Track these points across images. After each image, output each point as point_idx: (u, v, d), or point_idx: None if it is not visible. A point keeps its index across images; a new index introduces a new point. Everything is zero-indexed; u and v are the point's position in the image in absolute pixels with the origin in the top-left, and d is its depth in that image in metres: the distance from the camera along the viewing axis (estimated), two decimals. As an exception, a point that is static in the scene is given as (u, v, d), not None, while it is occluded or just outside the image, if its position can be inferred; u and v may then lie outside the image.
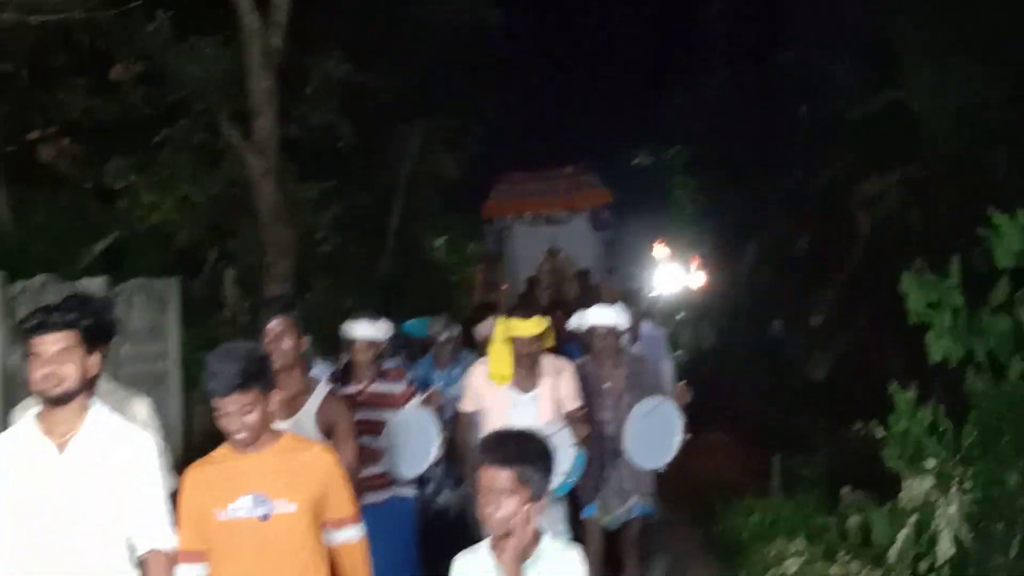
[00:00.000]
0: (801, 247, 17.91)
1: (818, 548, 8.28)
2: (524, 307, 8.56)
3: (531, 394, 7.44)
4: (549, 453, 4.16)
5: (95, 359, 4.69)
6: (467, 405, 7.69)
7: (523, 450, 4.09)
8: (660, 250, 27.92)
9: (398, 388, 7.72)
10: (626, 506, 8.09)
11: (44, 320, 4.52)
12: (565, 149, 22.57)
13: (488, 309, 10.50)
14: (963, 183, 12.75)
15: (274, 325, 5.99)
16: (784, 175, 19.10)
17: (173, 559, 4.64)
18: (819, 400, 13.31)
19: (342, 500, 4.81)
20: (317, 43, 14.13)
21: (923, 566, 7.09)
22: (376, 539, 6.27)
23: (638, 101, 29.13)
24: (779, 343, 18.48)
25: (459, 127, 21.32)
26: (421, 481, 7.86)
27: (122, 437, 4.65)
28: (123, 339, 7.69)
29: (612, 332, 8.17)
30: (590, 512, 8.05)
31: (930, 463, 7.33)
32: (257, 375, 4.60)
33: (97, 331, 4.81)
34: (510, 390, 7.45)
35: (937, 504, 7.15)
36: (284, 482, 4.63)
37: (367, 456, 7.14)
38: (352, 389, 7.62)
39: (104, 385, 5.39)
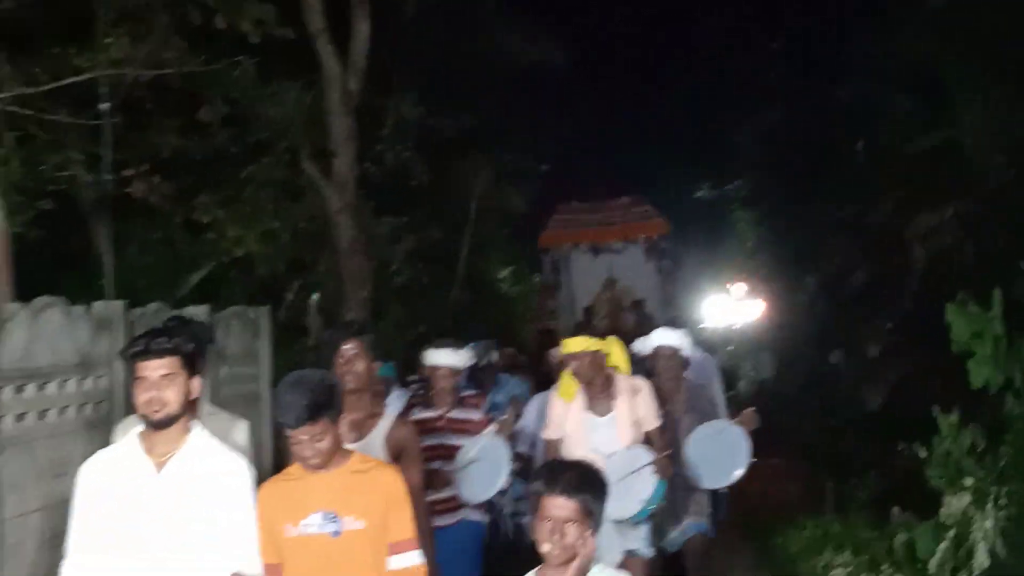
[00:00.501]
0: (858, 279, 18.30)
1: (863, 560, 8.79)
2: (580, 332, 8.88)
3: (608, 417, 7.41)
4: (606, 483, 4.29)
5: (196, 382, 4.81)
6: (551, 433, 7.63)
7: (586, 480, 4.19)
8: (719, 281, 28.15)
9: (476, 415, 7.90)
10: (681, 527, 8.13)
11: (148, 345, 4.64)
12: (627, 182, 22.94)
13: (549, 335, 10.87)
14: (1012, 217, 13.12)
15: (348, 348, 6.16)
16: (841, 208, 19.44)
17: None
18: (873, 426, 13.66)
19: (404, 522, 4.89)
20: (392, 86, 14.83)
21: (961, 576, 7.60)
22: (444, 559, 6.61)
23: (700, 135, 29.51)
24: (837, 373, 18.79)
25: (524, 162, 21.90)
26: (490, 507, 7.96)
27: (220, 460, 4.78)
28: (223, 362, 8.32)
29: (675, 354, 8.29)
30: None
31: (968, 481, 7.84)
32: (327, 404, 4.71)
33: (198, 355, 4.97)
34: (587, 414, 7.43)
35: (974, 519, 7.67)
36: (354, 500, 4.75)
37: (441, 480, 7.44)
38: (432, 414, 7.81)
39: (206, 407, 5.65)
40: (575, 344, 7.34)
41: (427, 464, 7.22)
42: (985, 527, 7.61)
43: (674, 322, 12.31)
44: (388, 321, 14.88)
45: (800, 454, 14.85)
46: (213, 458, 4.76)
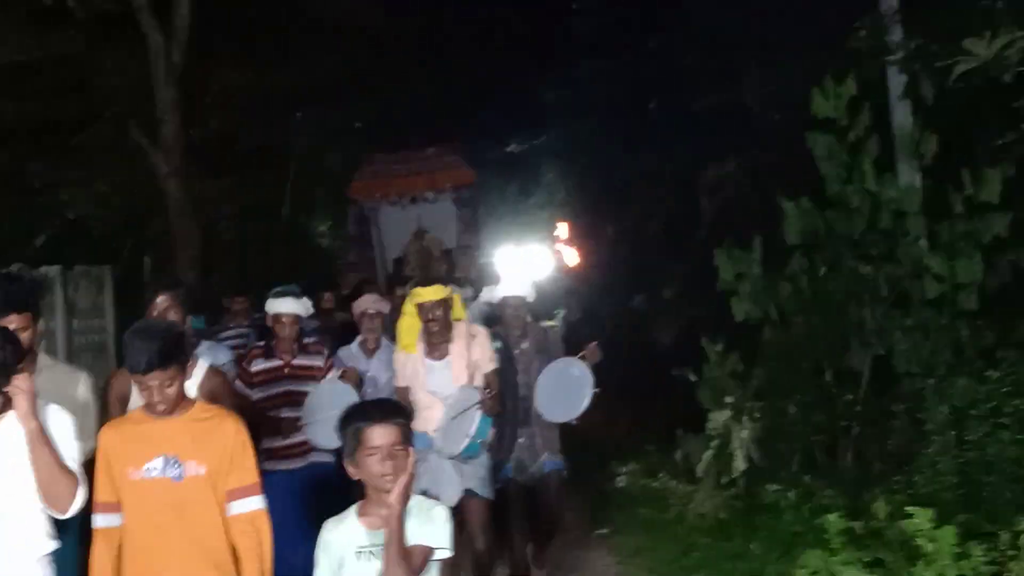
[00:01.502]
0: (655, 227, 19.64)
1: (642, 467, 10.20)
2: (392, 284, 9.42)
3: (444, 360, 7.57)
4: (408, 410, 4.61)
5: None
6: (399, 381, 7.78)
7: (395, 408, 4.42)
8: (529, 232, 28.91)
9: (319, 361, 8.05)
10: (539, 463, 8.30)
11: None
12: (441, 136, 23.46)
13: (365, 285, 11.29)
14: (787, 169, 14.37)
15: (161, 300, 6.26)
16: (639, 160, 20.71)
17: None
18: (664, 361, 14.86)
19: (246, 469, 4.93)
20: (216, 55, 15.52)
21: (724, 479, 8.98)
22: (295, 501, 7.17)
23: (510, 89, 30.42)
24: (639, 314, 20.16)
25: (340, 120, 22.63)
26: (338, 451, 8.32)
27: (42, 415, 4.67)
28: (73, 316, 9.18)
29: (522, 302, 8.47)
30: (507, 472, 8.20)
31: (728, 399, 9.23)
32: (175, 352, 4.77)
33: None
34: (425, 359, 7.60)
35: (733, 431, 9.06)
36: (196, 446, 4.79)
37: (290, 425, 7.69)
38: (277, 363, 7.92)
39: (44, 359, 5.75)
40: (433, 292, 7.48)
41: (275, 411, 7.72)
42: (742, 437, 9.01)
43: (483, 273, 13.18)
44: (217, 278, 15.61)
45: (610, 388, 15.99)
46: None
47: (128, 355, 4.74)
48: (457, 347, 7.59)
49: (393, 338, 8.36)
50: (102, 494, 4.76)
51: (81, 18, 12.85)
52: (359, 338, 9.06)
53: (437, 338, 7.55)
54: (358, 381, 8.31)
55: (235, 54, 16.25)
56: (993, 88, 8.68)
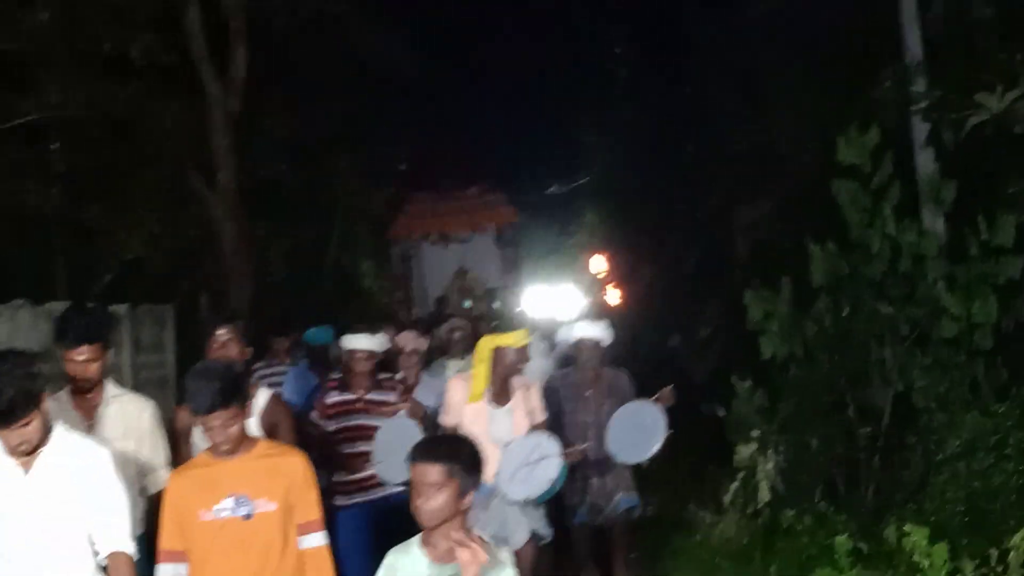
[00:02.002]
0: (690, 267, 20.10)
1: (672, 497, 10.70)
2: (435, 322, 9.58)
3: (505, 408, 7.59)
4: (477, 453, 4.27)
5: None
6: (448, 420, 7.74)
7: (452, 449, 4.24)
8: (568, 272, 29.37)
9: (392, 397, 8.18)
10: (614, 503, 8.36)
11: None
12: (480, 177, 23.75)
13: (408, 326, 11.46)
14: (818, 210, 14.83)
15: (220, 334, 6.44)
16: (675, 202, 21.22)
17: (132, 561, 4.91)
18: (696, 397, 15.26)
19: (310, 504, 5.03)
20: (266, 103, 16.25)
21: (749, 509, 9.46)
22: (365, 535, 7.33)
23: (550, 133, 31.12)
24: (676, 353, 20.56)
25: (383, 162, 23.20)
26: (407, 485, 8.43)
27: (80, 452, 4.81)
28: (138, 352, 9.83)
29: (597, 344, 8.48)
30: (582, 517, 8.33)
31: (755, 433, 9.71)
32: (235, 391, 4.86)
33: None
34: (486, 404, 7.58)
35: (759, 463, 9.55)
36: (263, 483, 4.88)
37: (362, 460, 7.79)
38: (351, 396, 8.08)
39: (112, 389, 5.97)
40: (517, 338, 7.53)
41: (348, 445, 7.89)
42: (767, 469, 9.49)
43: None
44: (266, 316, 16.24)
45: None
46: (71, 449, 4.80)
47: (190, 397, 4.85)
48: (518, 395, 7.62)
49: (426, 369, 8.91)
50: (168, 542, 4.88)
51: (142, 68, 13.42)
52: (399, 375, 9.07)
53: (503, 387, 7.57)
54: (424, 416, 8.18)
55: (285, 101, 16.94)
56: (1007, 138, 9.15)
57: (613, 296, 27.69)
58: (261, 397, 6.40)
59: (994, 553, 5.60)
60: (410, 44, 22.43)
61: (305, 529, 4.99)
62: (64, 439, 4.75)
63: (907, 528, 5.69)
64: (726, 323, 17.15)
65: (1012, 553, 5.49)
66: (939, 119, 10.74)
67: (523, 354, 7.55)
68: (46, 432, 4.69)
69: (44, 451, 4.66)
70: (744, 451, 9.68)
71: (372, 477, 7.78)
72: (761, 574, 7.57)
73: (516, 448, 7.23)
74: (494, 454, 7.16)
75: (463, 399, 7.59)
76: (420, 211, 21.24)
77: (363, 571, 6.20)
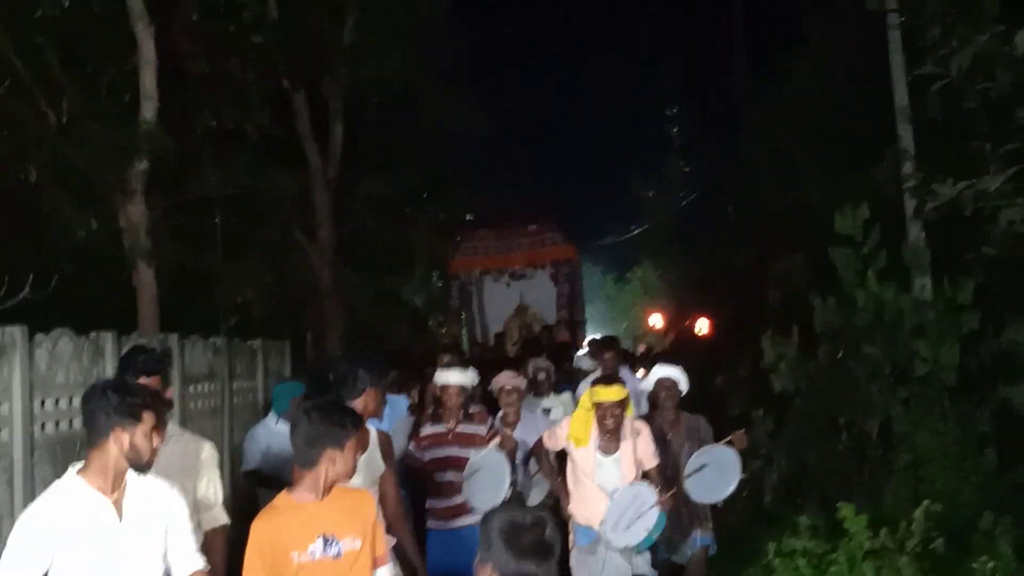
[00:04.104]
0: (731, 315, 22.23)
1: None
2: (501, 363, 10.28)
3: (613, 456, 7.66)
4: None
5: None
6: (551, 444, 8.03)
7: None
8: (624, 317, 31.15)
9: (482, 429, 8.35)
10: (690, 540, 8.66)
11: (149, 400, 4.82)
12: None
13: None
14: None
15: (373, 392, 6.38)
16: (719, 257, 23.39)
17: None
18: (732, 426, 17.31)
19: (382, 539, 5.23)
20: (359, 167, 18.73)
21: (757, 512, 11.70)
22: (454, 560, 7.51)
23: (608, 188, 33.31)
24: (720, 391, 22.68)
25: (456, 216, 25.47)
26: None
27: (159, 493, 4.86)
28: (269, 379, 12.05)
29: (675, 386, 8.71)
30: (661, 554, 8.46)
31: (762, 451, 12.01)
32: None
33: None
34: (595, 452, 7.69)
35: (764, 476, 11.86)
36: (347, 523, 5.02)
37: (454, 488, 8.03)
38: (442, 428, 8.32)
39: (172, 428, 5.96)
40: (614, 393, 7.54)
41: (440, 474, 8.14)
42: (772, 479, 11.79)
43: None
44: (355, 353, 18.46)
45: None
46: (152, 491, 4.84)
47: (328, 429, 5.01)
48: (626, 444, 7.67)
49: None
50: None
51: (253, 139, 15.64)
52: (500, 413, 9.08)
53: (611, 435, 7.64)
54: (514, 449, 8.37)
55: (374, 164, 19.34)
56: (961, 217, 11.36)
57: (665, 340, 29.59)
58: (373, 435, 6.45)
59: (904, 524, 7.79)
60: (483, 107, 24.51)
61: (380, 562, 5.19)
62: (138, 480, 4.77)
63: (839, 505, 7.90)
64: (758, 365, 19.15)
65: (914, 523, 7.70)
66: (923, 197, 12.95)
67: (621, 407, 7.56)
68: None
69: (128, 495, 4.70)
70: (753, 465, 12.00)
71: (461, 505, 8.00)
72: (756, 548, 9.40)
73: (620, 497, 7.47)
74: (601, 500, 7.58)
75: (566, 435, 7.85)
76: (478, 247, 21.11)
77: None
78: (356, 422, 5.13)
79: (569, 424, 7.85)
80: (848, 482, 11.35)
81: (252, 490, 8.96)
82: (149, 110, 12.27)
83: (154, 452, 4.69)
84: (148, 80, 12.27)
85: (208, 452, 6.13)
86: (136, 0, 12.18)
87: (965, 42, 11.10)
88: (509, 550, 3.68)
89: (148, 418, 4.64)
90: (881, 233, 12.56)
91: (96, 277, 12.61)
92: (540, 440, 8.25)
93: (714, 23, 29.21)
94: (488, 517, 3.82)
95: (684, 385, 8.82)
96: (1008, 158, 11.20)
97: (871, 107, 15.85)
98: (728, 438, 8.36)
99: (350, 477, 5.11)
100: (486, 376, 9.62)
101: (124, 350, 8.27)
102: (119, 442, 4.59)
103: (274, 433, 8.79)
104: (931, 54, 11.66)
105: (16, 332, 6.90)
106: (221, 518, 6.08)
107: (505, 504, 7.45)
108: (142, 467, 4.68)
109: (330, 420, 5.00)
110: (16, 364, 6.88)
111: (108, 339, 8.12)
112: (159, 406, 4.84)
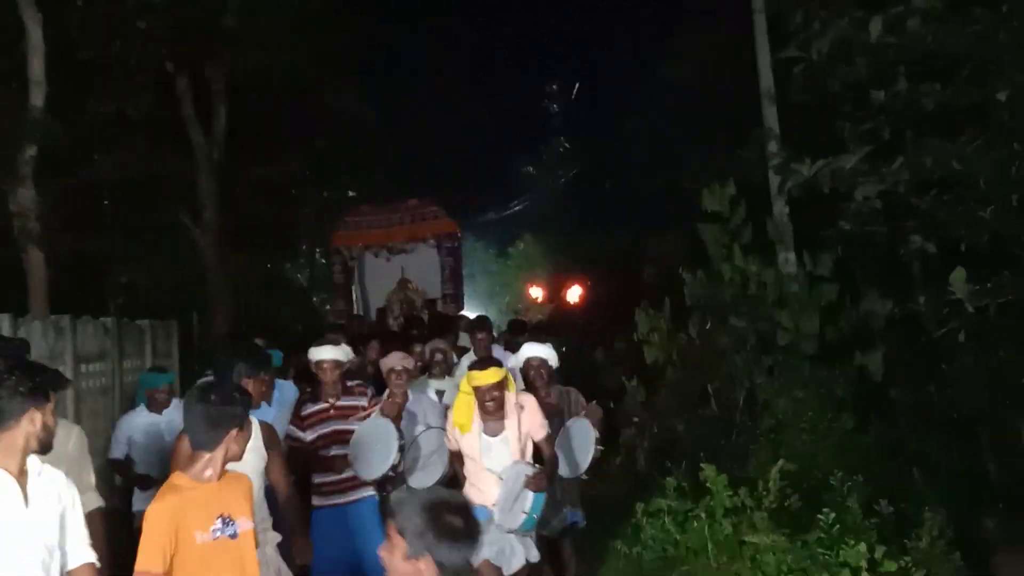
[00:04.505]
0: (609, 291, 22.89)
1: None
2: (384, 337, 10.49)
3: (500, 437, 7.54)
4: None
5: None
6: (451, 445, 7.86)
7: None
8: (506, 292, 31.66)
9: (363, 402, 8.27)
10: (560, 516, 8.50)
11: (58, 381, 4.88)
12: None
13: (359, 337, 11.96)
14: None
15: (250, 385, 6.51)
16: (595, 234, 24.06)
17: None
18: (609, 398, 18.00)
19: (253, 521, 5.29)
20: (246, 152, 18.99)
21: (630, 478, 12.30)
22: (344, 534, 7.69)
23: (489, 165, 33.77)
24: (598, 364, 23.33)
25: (340, 196, 25.92)
26: (382, 483, 7.99)
27: (55, 480, 4.80)
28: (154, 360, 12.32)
29: (544, 363, 8.58)
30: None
31: (635, 419, 12.63)
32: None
33: None
34: (480, 435, 7.57)
35: (637, 443, 12.47)
36: (237, 504, 5.10)
37: (341, 463, 7.92)
38: (323, 405, 8.17)
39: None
40: (490, 376, 7.40)
41: (324, 450, 7.99)
42: (644, 447, 12.42)
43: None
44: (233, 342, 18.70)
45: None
46: (50, 478, 4.81)
47: (219, 413, 5.05)
48: (511, 421, 7.56)
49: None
50: (155, 565, 4.84)
51: (138, 123, 15.88)
52: (386, 393, 8.75)
53: (494, 417, 7.52)
54: (399, 415, 8.28)
55: (260, 149, 19.63)
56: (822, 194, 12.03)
57: (542, 313, 30.11)
58: (254, 425, 6.23)
59: (761, 483, 8.40)
60: (366, 88, 24.98)
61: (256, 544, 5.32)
62: (36, 466, 4.75)
63: (702, 466, 8.48)
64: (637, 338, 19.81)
65: (771, 482, 8.31)
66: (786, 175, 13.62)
67: (499, 388, 7.42)
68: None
69: (30, 480, 4.68)
70: (625, 434, 12.62)
71: (350, 479, 7.95)
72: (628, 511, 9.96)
73: (507, 478, 7.39)
74: (492, 482, 7.44)
75: (459, 436, 7.68)
76: (359, 222, 20.89)
77: (334, 566, 7.38)
78: (250, 404, 5.25)
79: (455, 413, 7.70)
80: (716, 448, 11.90)
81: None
82: (38, 97, 12.53)
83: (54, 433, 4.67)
84: (36, 67, 12.53)
85: (77, 437, 6.03)
86: (21, -14, 12.35)
87: (825, 27, 11.73)
88: (445, 538, 3.62)
89: (53, 398, 4.66)
90: (747, 210, 13.27)
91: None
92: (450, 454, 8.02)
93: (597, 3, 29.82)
94: (402, 505, 3.73)
95: (554, 361, 8.73)
96: (864, 137, 11.90)
97: (741, 91, 16.44)
98: (584, 411, 8.63)
99: (240, 458, 5.17)
100: (357, 349, 9.74)
101: (15, 332, 8.73)
102: (33, 423, 4.58)
103: (136, 424, 8.97)
104: (794, 38, 12.25)
105: None
106: (95, 501, 5.93)
107: (408, 486, 7.81)
108: (48, 447, 4.66)
109: (231, 401, 5.07)
110: None
111: (4, 319, 8.25)
112: (60, 386, 4.82)
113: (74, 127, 13.56)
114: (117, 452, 8.97)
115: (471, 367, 7.65)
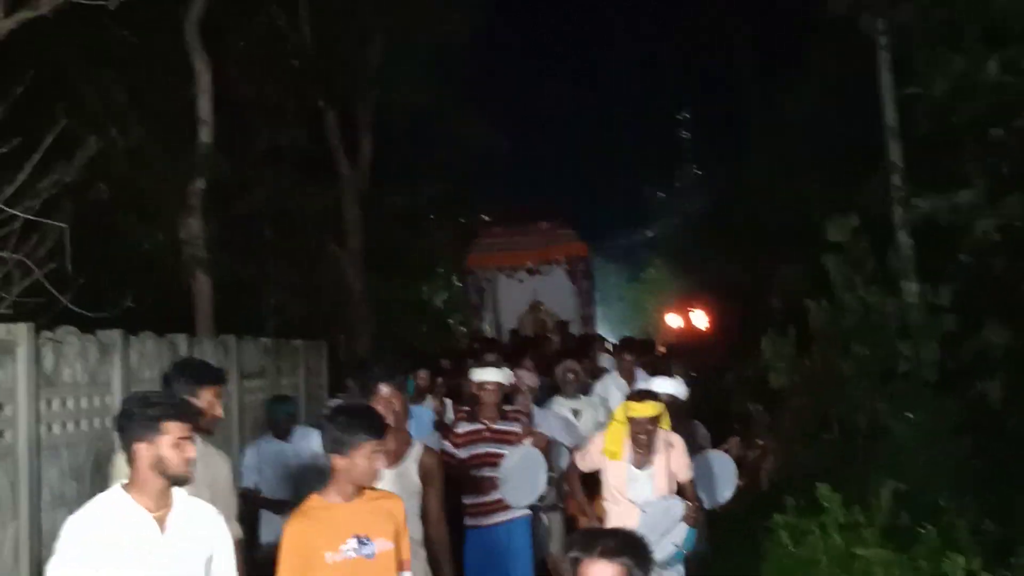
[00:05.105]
0: (732, 319, 23.31)
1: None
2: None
3: (647, 471, 7.55)
4: (647, 548, 3.97)
5: None
6: (582, 463, 7.89)
7: (627, 545, 3.91)
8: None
9: (517, 427, 8.29)
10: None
11: (179, 410, 4.61)
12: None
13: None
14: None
15: (385, 389, 6.35)
16: (724, 262, 24.55)
17: None
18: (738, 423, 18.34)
19: (407, 544, 5.28)
20: (386, 181, 19.95)
21: (753, 499, 12.81)
22: (496, 556, 7.84)
23: (621, 191, 34.36)
24: (729, 388, 23.74)
25: (477, 223, 26.56)
26: (533, 509, 8.20)
27: (204, 514, 4.73)
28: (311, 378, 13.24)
29: (675, 400, 8.40)
30: None
31: (760, 443, 13.19)
32: (382, 427, 5.19)
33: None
34: (628, 465, 7.58)
35: (761, 466, 13.03)
36: (379, 525, 5.08)
37: (490, 485, 7.99)
38: (479, 426, 8.22)
39: (199, 447, 5.25)
40: (648, 409, 7.44)
41: (477, 471, 8.04)
42: (768, 469, 12.97)
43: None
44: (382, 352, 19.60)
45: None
46: (199, 513, 4.71)
47: (351, 428, 5.07)
48: (659, 457, 7.58)
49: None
50: None
51: (290, 156, 16.95)
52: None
53: (645, 449, 7.53)
54: (547, 446, 8.41)
55: (401, 179, 20.62)
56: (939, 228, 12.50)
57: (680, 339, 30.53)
58: (417, 446, 6.46)
59: (874, 502, 8.93)
60: (499, 115, 25.83)
61: (405, 566, 5.26)
62: (187, 500, 4.68)
63: (818, 485, 9.04)
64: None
65: (883, 500, 8.85)
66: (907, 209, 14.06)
67: (654, 424, 7.47)
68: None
69: (175, 511, 4.57)
70: (751, 456, 13.18)
71: (498, 501, 8.01)
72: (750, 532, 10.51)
73: (652, 511, 7.42)
74: (634, 515, 7.40)
75: (600, 449, 7.71)
76: (492, 244, 21.52)
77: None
78: (372, 425, 5.14)
79: (603, 439, 7.72)
80: (836, 470, 12.23)
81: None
82: (206, 135, 13.57)
83: (187, 463, 4.50)
84: (205, 107, 13.59)
85: (226, 466, 5.95)
86: (194, 36, 13.50)
87: (946, 65, 12.20)
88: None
89: (172, 428, 4.45)
90: (870, 241, 13.72)
91: (151, 286, 13.72)
92: (572, 461, 8.17)
93: (722, 33, 30.20)
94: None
95: (683, 394, 8.69)
96: (983, 173, 12.34)
97: (865, 125, 16.86)
98: (725, 446, 9.37)
99: (372, 480, 5.13)
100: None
101: (191, 352, 9.52)
102: (144, 455, 4.45)
103: (264, 452, 9.09)
104: (917, 75, 12.72)
105: (22, 329, 6.94)
106: (235, 532, 5.59)
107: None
108: (178, 480, 4.52)
109: (350, 423, 5.08)
110: (22, 361, 6.92)
111: (116, 338, 8.28)
112: (185, 415, 4.60)
113: (235, 161, 14.57)
114: (248, 481, 8.92)
115: (629, 398, 7.73)
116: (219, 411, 5.86)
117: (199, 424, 4.96)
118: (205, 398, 5.70)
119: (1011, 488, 10.51)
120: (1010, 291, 13.49)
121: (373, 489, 5.20)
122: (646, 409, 7.38)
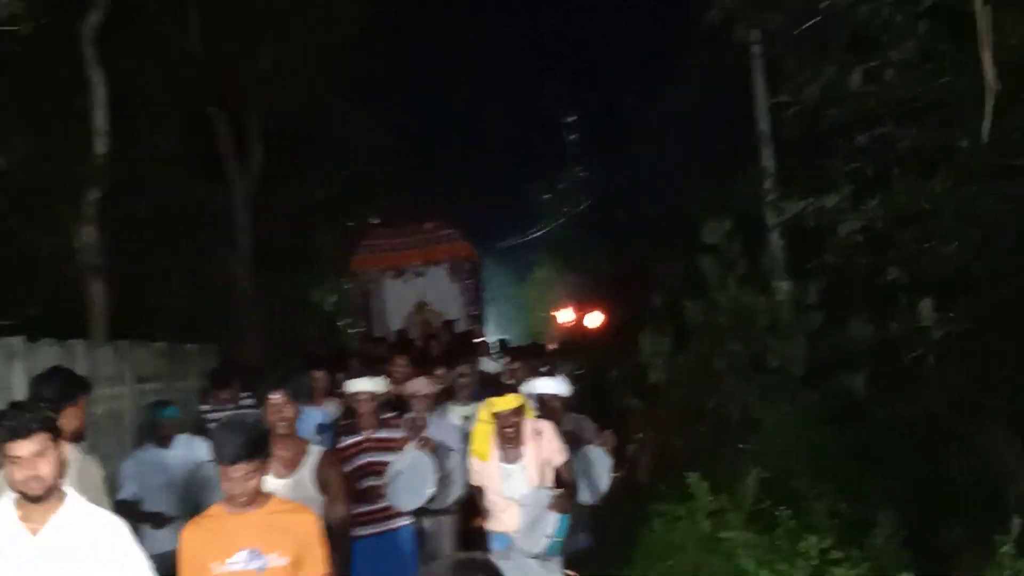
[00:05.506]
0: (618, 316, 23.87)
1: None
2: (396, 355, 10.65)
3: (518, 465, 7.61)
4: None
5: (64, 448, 4.71)
6: (474, 480, 7.95)
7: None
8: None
9: (398, 433, 8.27)
10: (576, 541, 8.54)
11: (18, 425, 4.47)
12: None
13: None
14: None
15: (276, 397, 6.41)
16: (609, 260, 25.08)
17: None
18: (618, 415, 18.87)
19: (318, 560, 5.10)
20: (272, 182, 20.19)
21: (630, 489, 13.35)
22: (382, 564, 7.74)
23: (508, 194, 34.73)
24: (614, 383, 24.28)
25: (365, 225, 26.81)
26: (419, 512, 8.18)
27: (98, 523, 4.67)
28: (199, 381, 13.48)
29: (554, 400, 8.83)
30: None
31: (638, 435, 13.74)
32: (259, 446, 4.95)
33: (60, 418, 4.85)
34: (498, 463, 7.66)
35: (638, 457, 13.58)
36: (275, 538, 4.93)
37: (375, 493, 7.95)
38: (359, 437, 8.19)
39: (72, 452, 5.27)
40: (509, 402, 7.52)
41: (361, 481, 7.97)
42: (645, 460, 13.53)
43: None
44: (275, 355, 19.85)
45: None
46: (91, 522, 4.66)
47: (215, 446, 4.97)
48: (529, 449, 7.64)
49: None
50: None
51: (179, 160, 17.12)
52: (410, 415, 8.93)
53: (511, 443, 7.60)
54: (435, 449, 8.20)
55: (283, 178, 20.85)
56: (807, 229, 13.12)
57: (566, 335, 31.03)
58: (313, 453, 6.47)
59: (740, 489, 9.51)
60: (386, 118, 26.00)
61: None
62: (79, 504, 4.66)
63: (687, 474, 9.58)
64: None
65: (748, 487, 9.42)
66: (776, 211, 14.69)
67: (518, 414, 7.54)
68: (57, 482, 4.60)
69: (57, 515, 4.56)
70: (629, 449, 13.73)
71: (384, 509, 8.02)
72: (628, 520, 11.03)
73: (528, 504, 7.52)
74: (510, 508, 7.61)
75: (475, 459, 7.83)
76: (376, 246, 21.25)
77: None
78: (249, 442, 4.96)
79: (475, 442, 7.82)
80: (710, 460, 12.59)
81: None
82: (101, 146, 13.76)
83: (36, 479, 4.46)
84: (100, 119, 13.78)
85: (99, 474, 5.73)
86: (90, 50, 13.72)
87: (815, 74, 12.78)
88: None
89: (10, 448, 4.45)
90: (743, 241, 14.30)
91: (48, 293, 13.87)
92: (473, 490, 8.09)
93: (606, 35, 30.88)
94: (432, 571, 3.57)
95: (565, 391, 8.99)
96: (848, 176, 12.95)
97: (736, 127, 17.54)
98: (601, 440, 9.05)
99: (248, 495, 4.95)
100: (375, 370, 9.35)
101: (90, 357, 9.83)
102: (5, 466, 4.50)
103: (143, 461, 8.81)
104: (788, 82, 13.30)
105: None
106: None
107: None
108: (24, 496, 4.53)
109: (227, 436, 4.98)
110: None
111: (18, 344, 8.42)
112: (41, 429, 4.53)
113: (125, 164, 14.73)
114: (126, 492, 8.53)
115: (490, 394, 7.82)
116: (81, 421, 5.94)
117: (61, 435, 4.74)
118: (69, 410, 5.66)
119: (867, 473, 11.19)
120: (871, 289, 14.19)
121: (285, 501, 5.21)
122: (507, 402, 7.50)
